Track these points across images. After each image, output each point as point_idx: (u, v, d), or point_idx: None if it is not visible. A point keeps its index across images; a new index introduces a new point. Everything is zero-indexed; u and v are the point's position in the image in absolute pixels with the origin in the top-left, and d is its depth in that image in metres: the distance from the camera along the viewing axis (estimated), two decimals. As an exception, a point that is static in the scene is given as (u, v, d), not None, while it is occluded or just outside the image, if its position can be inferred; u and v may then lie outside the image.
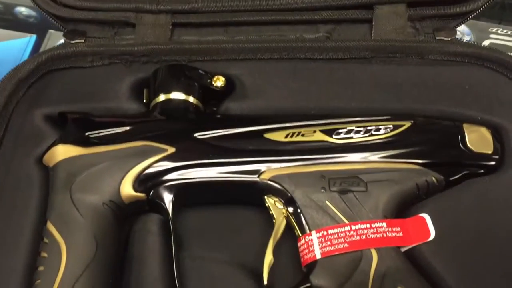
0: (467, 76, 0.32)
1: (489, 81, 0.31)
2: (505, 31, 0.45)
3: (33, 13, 0.57)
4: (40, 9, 0.32)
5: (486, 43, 0.46)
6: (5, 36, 0.55)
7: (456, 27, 0.33)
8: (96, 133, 0.29)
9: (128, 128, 0.29)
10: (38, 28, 0.56)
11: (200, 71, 0.31)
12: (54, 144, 0.29)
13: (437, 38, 0.32)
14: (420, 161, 0.28)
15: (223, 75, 0.31)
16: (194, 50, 0.32)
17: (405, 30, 0.32)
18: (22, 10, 0.56)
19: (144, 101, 0.31)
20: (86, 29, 0.32)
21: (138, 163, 0.28)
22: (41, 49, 0.55)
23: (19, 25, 0.57)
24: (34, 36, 0.54)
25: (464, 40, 0.35)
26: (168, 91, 0.30)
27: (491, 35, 0.46)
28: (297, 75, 0.32)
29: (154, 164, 0.28)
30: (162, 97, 0.30)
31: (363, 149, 0.28)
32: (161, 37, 0.32)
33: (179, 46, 0.31)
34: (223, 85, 0.31)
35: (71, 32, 0.32)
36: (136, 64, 0.32)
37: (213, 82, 0.31)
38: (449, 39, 0.32)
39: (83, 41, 0.32)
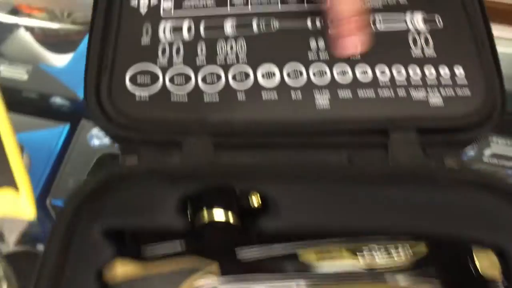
0: (476, 200, 0.35)
1: (497, 206, 0.35)
2: (506, 141, 0.50)
3: (66, 102, 0.60)
4: (99, 128, 0.36)
5: (487, 152, 0.50)
6: (41, 125, 0.58)
7: (464, 151, 0.37)
8: (150, 248, 0.32)
9: (178, 243, 0.32)
10: (71, 115, 0.59)
11: (238, 191, 0.35)
12: (113, 259, 0.32)
13: (446, 164, 0.36)
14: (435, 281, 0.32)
15: (258, 194, 0.35)
16: (233, 172, 0.35)
17: (417, 155, 0.36)
18: (57, 100, 0.60)
19: (189, 219, 0.34)
20: (139, 147, 0.36)
21: (188, 278, 0.31)
22: (74, 138, 0.58)
23: (53, 113, 0.60)
24: (67, 126, 0.57)
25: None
26: (210, 211, 0.34)
27: (492, 144, 0.50)
28: (322, 196, 0.35)
29: (201, 279, 0.31)
30: (205, 216, 0.34)
31: (386, 270, 0.32)
32: (204, 158, 0.35)
33: (220, 168, 0.35)
34: (259, 205, 0.35)
35: (126, 150, 0.35)
36: (182, 183, 0.35)
37: (250, 202, 0.35)
38: (458, 166, 0.36)
39: (136, 159, 0.35)
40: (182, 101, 0.36)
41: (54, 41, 0.68)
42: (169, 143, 0.35)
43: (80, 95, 0.56)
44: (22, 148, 0.53)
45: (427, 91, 0.37)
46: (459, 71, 0.38)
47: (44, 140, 0.57)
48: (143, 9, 0.40)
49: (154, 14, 0.40)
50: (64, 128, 0.56)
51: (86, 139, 0.58)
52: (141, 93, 0.36)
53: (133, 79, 0.37)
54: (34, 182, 0.50)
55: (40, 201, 0.52)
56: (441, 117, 0.36)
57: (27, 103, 0.60)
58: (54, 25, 0.67)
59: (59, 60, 0.63)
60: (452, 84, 0.37)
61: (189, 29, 0.39)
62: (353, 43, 0.37)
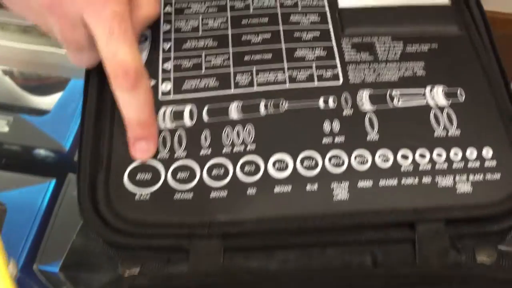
0: None
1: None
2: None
3: (51, 154, 0.56)
4: (96, 234, 0.32)
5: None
6: (24, 181, 0.54)
7: (497, 245, 0.34)
8: None
9: None
10: (56, 169, 0.55)
11: None
12: None
13: (478, 259, 0.33)
14: None
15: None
16: (247, 281, 0.31)
17: (446, 250, 0.33)
18: (41, 151, 0.56)
19: None
20: (140, 255, 0.32)
21: None
22: (61, 194, 0.54)
23: (38, 167, 0.56)
24: (53, 181, 0.53)
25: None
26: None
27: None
28: None
29: None
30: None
31: None
32: (213, 264, 0.31)
33: (232, 278, 0.31)
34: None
35: (126, 260, 0.31)
36: None
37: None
38: (491, 261, 0.33)
39: (137, 271, 0.32)
40: (187, 199, 0.32)
41: (35, 84, 0.64)
42: (174, 249, 0.32)
43: (66, 146, 0.52)
44: (5, 210, 0.49)
45: (453, 177, 0.34)
46: (486, 151, 0.34)
47: (28, 198, 0.53)
48: None
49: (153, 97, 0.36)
50: (50, 184, 0.52)
51: (73, 195, 0.53)
52: (141, 192, 0.33)
53: (132, 176, 0.33)
54: (19, 246, 0.46)
55: (27, 267, 0.49)
56: (470, 205, 0.33)
57: (8, 156, 0.56)
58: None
59: (42, 103, 0.59)
60: (480, 167, 0.34)
61: (191, 114, 0.35)
62: (141, 148, 0.34)
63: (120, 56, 0.32)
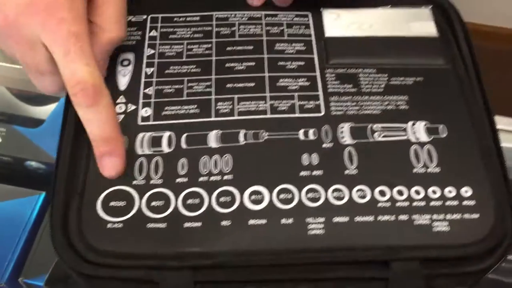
0: None
1: None
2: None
3: (42, 166, 0.56)
4: (65, 264, 0.31)
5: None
6: (12, 193, 0.53)
7: (474, 283, 0.33)
8: None
9: None
10: (47, 181, 0.55)
11: None
12: None
13: (453, 301, 0.32)
14: None
15: None
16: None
17: (421, 291, 0.32)
18: (33, 163, 0.56)
19: None
20: (110, 286, 0.31)
21: None
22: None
23: (28, 178, 0.56)
24: (43, 194, 0.53)
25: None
26: None
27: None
28: None
29: None
30: None
31: None
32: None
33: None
34: None
35: (95, 290, 0.31)
36: None
37: None
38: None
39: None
40: (160, 227, 0.32)
41: (30, 95, 0.64)
42: (144, 281, 0.31)
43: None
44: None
45: (430, 215, 0.33)
46: (465, 190, 0.34)
47: (17, 210, 0.52)
48: (119, 116, 0.36)
49: (131, 122, 0.35)
50: (39, 196, 0.52)
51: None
52: (114, 220, 0.32)
53: (105, 203, 0.33)
54: (5, 258, 0.46)
55: (12, 280, 0.48)
56: (446, 245, 0.32)
57: (0, 167, 0.56)
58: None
59: (38, 113, 0.59)
60: (458, 206, 0.33)
61: (169, 141, 0.35)
62: (107, 165, 0.34)
63: (78, 74, 0.32)
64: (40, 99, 0.61)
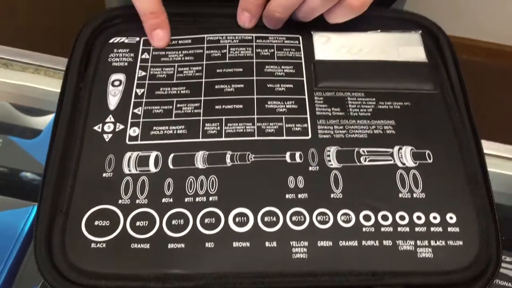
0: None
1: None
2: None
3: (37, 177, 0.56)
4: (47, 283, 0.31)
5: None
6: (6, 204, 0.53)
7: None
8: None
9: None
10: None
11: None
12: None
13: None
14: None
15: None
16: None
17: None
18: (28, 174, 0.56)
19: None
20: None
21: None
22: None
23: (23, 189, 0.56)
24: (35, 206, 0.53)
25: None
26: None
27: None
28: None
29: None
30: None
31: None
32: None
33: None
34: None
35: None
36: None
37: None
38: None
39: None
40: (143, 248, 0.32)
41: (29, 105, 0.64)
42: None
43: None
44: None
45: (415, 241, 0.33)
46: (450, 217, 0.34)
47: (10, 221, 0.52)
48: (107, 136, 0.36)
49: (119, 141, 0.35)
50: (33, 208, 0.52)
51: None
52: (98, 239, 0.32)
53: (89, 222, 0.33)
54: (-5, 270, 0.46)
55: (2, 293, 0.48)
56: (430, 271, 0.32)
57: (-5, 177, 0.56)
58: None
59: (36, 123, 0.60)
60: (442, 232, 0.33)
61: (156, 161, 0.35)
62: (158, 36, 0.39)
63: None
64: (38, 110, 0.61)
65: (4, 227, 0.51)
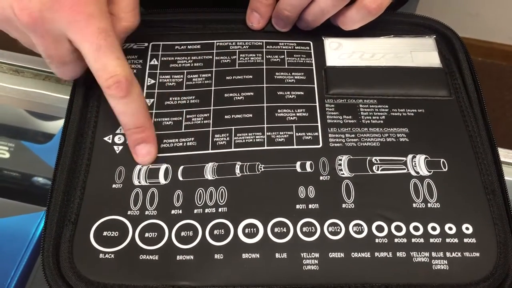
0: None
1: None
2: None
3: (49, 182, 0.56)
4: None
5: None
6: (18, 209, 0.53)
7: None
8: None
9: None
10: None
11: None
12: None
13: None
14: None
15: None
16: None
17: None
18: (40, 179, 0.56)
19: None
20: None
21: None
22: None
23: (35, 194, 0.56)
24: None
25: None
26: None
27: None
28: None
29: None
30: None
31: None
32: None
33: None
34: None
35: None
36: None
37: None
38: None
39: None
40: (152, 259, 0.31)
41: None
42: None
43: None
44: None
45: (429, 252, 0.32)
46: (466, 228, 0.32)
47: (22, 226, 0.52)
48: (118, 147, 0.35)
49: (130, 153, 0.35)
50: (45, 213, 0.52)
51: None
52: (106, 250, 0.32)
53: (98, 233, 0.32)
54: (9, 274, 0.45)
55: (15, 298, 0.48)
56: (446, 284, 0.31)
57: (7, 182, 0.56)
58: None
59: (47, 128, 0.59)
60: (458, 243, 0.32)
61: (166, 173, 0.34)
62: (142, 152, 0.34)
63: (110, 68, 0.32)
64: (50, 115, 0.61)
65: (16, 231, 0.50)
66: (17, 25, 0.32)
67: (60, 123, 0.59)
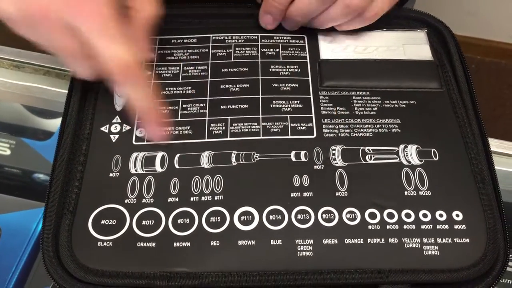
0: None
1: None
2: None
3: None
4: (54, 281, 0.32)
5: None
6: (19, 205, 0.54)
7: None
8: None
9: None
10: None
11: None
12: None
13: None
14: None
15: None
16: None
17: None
18: (41, 176, 0.56)
19: None
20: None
21: None
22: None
23: (36, 190, 0.56)
24: (47, 207, 0.53)
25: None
26: None
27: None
28: None
29: None
30: None
31: None
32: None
33: None
34: None
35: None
36: None
37: None
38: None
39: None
40: (149, 246, 0.32)
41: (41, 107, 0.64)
42: None
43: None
44: (-1, 230, 0.49)
45: (421, 239, 0.32)
46: (456, 214, 0.33)
47: (23, 222, 0.53)
48: (114, 136, 0.36)
49: (126, 142, 0.35)
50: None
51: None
52: (105, 238, 0.32)
53: (96, 221, 0.33)
54: (10, 269, 0.46)
55: (15, 293, 0.48)
56: (437, 269, 0.32)
57: (8, 179, 0.56)
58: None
59: (47, 125, 0.60)
60: (448, 230, 0.33)
61: (162, 161, 0.35)
62: (156, 131, 0.35)
63: (118, 54, 0.32)
64: (50, 112, 0.62)
65: (17, 227, 0.51)
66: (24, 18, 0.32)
67: (59, 120, 0.59)
